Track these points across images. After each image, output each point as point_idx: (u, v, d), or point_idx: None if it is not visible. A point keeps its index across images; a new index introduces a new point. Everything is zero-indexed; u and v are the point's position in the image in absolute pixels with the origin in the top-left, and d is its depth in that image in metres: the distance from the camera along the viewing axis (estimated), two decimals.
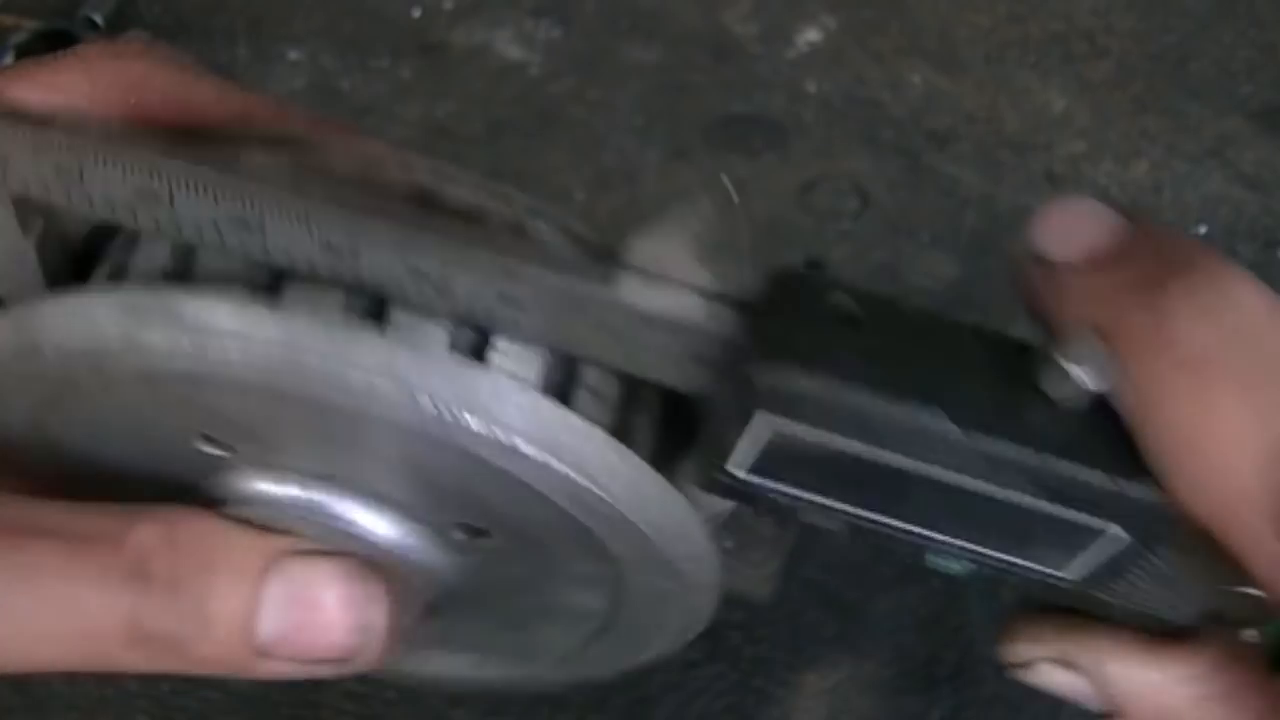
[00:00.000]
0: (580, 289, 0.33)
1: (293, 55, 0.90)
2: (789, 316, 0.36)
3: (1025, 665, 0.39)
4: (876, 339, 0.37)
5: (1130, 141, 0.92)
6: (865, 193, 0.89)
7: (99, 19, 0.88)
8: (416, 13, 0.93)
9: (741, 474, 0.37)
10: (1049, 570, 0.38)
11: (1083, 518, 0.36)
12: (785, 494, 0.37)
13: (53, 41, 0.83)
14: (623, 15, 0.93)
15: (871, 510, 0.38)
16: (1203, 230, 0.89)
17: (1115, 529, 0.36)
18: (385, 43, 0.91)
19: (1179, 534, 0.35)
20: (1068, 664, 0.38)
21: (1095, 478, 0.35)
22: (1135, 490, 0.35)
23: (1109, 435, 0.36)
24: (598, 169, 0.88)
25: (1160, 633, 0.39)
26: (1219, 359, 0.30)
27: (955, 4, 0.96)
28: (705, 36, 0.94)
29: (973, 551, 0.38)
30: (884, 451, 0.36)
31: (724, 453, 0.36)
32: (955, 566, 0.38)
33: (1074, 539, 0.37)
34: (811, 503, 0.37)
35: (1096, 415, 0.36)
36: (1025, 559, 0.38)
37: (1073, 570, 0.38)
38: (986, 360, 0.37)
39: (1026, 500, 0.36)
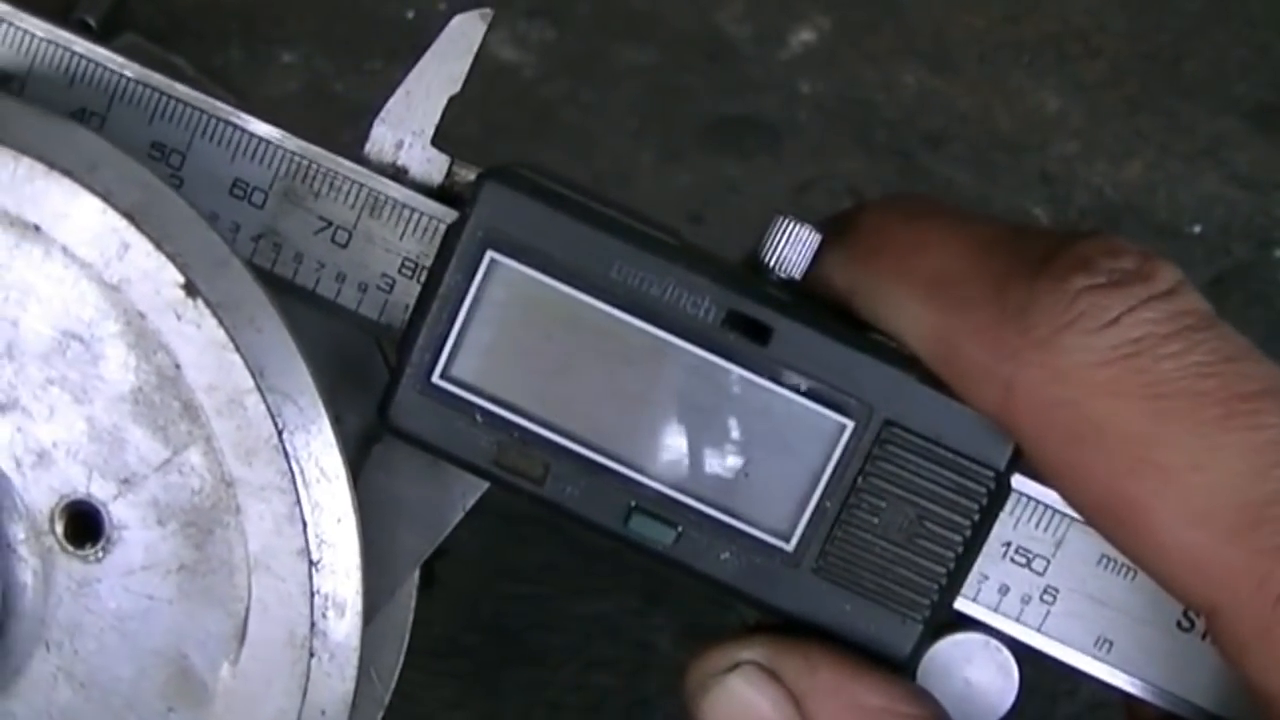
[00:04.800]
0: None
1: (286, 58, 0.90)
2: (515, 179, 0.36)
3: (728, 670, 0.36)
4: (609, 206, 0.36)
5: (1124, 142, 0.92)
6: (860, 194, 0.89)
7: (92, 21, 0.88)
8: (410, 14, 0.93)
9: (446, 384, 0.35)
10: (768, 538, 0.36)
11: (818, 414, 0.35)
12: (489, 413, 0.35)
13: None
14: (616, 17, 0.93)
15: (581, 435, 0.36)
16: (1197, 230, 0.89)
17: (849, 428, 0.35)
18: (379, 45, 0.91)
19: (922, 395, 0.35)
20: (773, 672, 0.36)
21: (830, 339, 0.35)
22: (870, 352, 0.36)
23: (830, 311, 0.37)
24: (592, 171, 0.88)
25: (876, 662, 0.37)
26: None
27: (949, 5, 0.96)
28: (699, 38, 0.94)
29: (685, 507, 0.36)
30: (613, 312, 0.35)
31: (433, 360, 0.35)
32: (662, 535, 0.36)
33: (801, 473, 0.36)
34: (514, 427, 0.35)
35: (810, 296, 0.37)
36: (744, 519, 0.36)
37: (798, 538, 0.36)
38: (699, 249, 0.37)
39: (756, 400, 0.35)
